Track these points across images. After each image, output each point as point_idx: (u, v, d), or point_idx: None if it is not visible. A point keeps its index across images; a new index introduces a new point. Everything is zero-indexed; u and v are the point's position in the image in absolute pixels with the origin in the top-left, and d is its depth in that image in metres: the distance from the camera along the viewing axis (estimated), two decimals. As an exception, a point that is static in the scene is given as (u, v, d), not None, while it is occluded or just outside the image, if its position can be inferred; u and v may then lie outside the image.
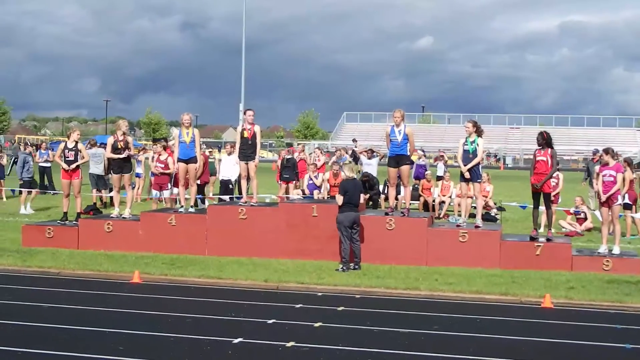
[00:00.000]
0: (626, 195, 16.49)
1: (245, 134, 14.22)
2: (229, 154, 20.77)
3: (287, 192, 20.57)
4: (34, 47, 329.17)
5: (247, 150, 14.31)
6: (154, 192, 19.22)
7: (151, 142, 58.75)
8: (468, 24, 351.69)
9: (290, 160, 21.21)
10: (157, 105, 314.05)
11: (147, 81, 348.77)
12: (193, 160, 14.51)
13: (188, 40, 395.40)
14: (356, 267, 12.69)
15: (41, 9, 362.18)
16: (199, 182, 17.17)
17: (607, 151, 13.74)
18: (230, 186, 20.60)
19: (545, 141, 13.28)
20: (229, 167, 20.70)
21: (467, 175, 13.46)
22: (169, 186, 18.63)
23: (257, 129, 14.34)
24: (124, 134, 15.02)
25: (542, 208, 13.65)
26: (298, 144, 47.09)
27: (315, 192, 19.10)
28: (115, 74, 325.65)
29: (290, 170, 20.87)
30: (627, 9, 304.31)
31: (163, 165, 18.41)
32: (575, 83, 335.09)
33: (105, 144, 17.53)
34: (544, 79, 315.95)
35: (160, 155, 18.78)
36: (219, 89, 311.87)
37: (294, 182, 20.90)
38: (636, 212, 17.67)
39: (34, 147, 30.24)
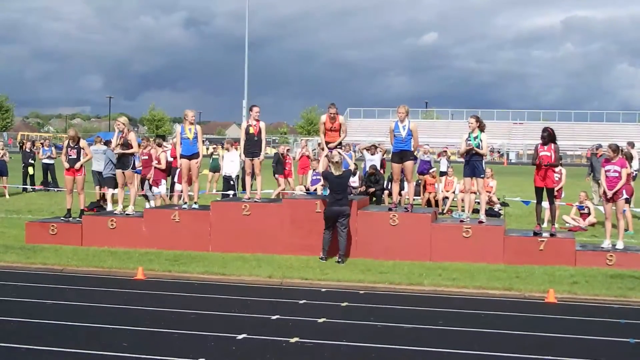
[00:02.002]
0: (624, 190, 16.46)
1: (252, 130, 14.21)
2: (228, 150, 20.78)
3: (279, 185, 20.99)
4: (38, 44, 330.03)
5: (252, 147, 14.31)
6: (154, 189, 19.29)
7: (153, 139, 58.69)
8: (472, 20, 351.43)
9: (275, 155, 21.48)
10: (160, 102, 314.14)
11: (151, 78, 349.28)
12: (196, 156, 14.54)
13: (192, 37, 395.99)
14: (339, 260, 12.78)
15: (46, 5, 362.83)
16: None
17: (611, 147, 13.72)
18: (232, 182, 20.60)
19: (550, 137, 13.32)
20: (227, 163, 20.74)
21: (471, 146, 13.33)
22: (163, 182, 18.75)
23: (262, 125, 14.35)
24: (121, 131, 15.00)
25: (545, 203, 13.65)
26: (301, 140, 47.06)
27: (319, 187, 19.09)
28: (119, 71, 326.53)
29: (277, 165, 21.09)
30: (633, 4, 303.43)
31: (156, 162, 18.66)
32: (579, 79, 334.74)
33: (108, 141, 17.64)
34: (548, 74, 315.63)
35: (156, 151, 18.94)
36: (223, 86, 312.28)
37: (282, 175, 21.23)
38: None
39: (32, 144, 30.18)
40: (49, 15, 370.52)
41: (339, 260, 12.80)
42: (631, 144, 24.74)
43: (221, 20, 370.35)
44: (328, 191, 13.30)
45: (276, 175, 21.01)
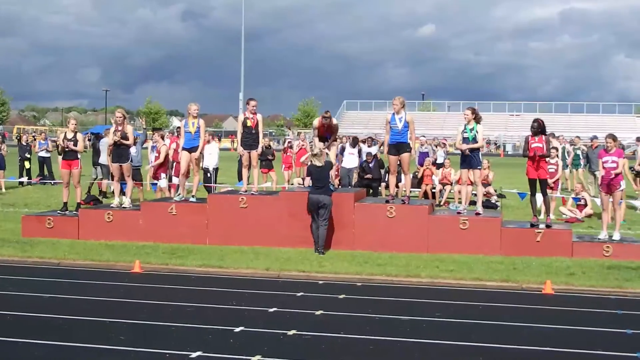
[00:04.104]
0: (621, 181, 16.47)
1: (249, 123, 14.21)
2: (208, 142, 20.62)
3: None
4: (36, 36, 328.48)
5: (249, 140, 14.33)
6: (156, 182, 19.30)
7: (151, 132, 58.68)
8: (471, 11, 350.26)
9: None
10: (158, 94, 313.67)
11: (149, 71, 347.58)
12: (196, 149, 14.58)
13: (190, 30, 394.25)
14: (318, 251, 12.86)
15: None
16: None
17: (611, 137, 13.72)
18: (209, 175, 20.48)
19: (540, 129, 13.38)
20: (206, 155, 20.56)
21: (465, 150, 13.37)
22: (163, 175, 18.71)
23: (259, 117, 14.37)
24: (117, 123, 15.00)
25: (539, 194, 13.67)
26: (298, 133, 47.12)
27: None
28: (117, 63, 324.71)
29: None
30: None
31: (158, 154, 18.64)
32: (577, 70, 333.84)
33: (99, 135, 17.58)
34: (546, 66, 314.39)
35: (158, 144, 18.93)
36: (221, 78, 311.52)
37: (265, 169, 21.78)
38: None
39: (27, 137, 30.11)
40: (47, 8, 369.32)
41: (320, 251, 12.88)
42: (552, 134, 24.92)
43: (219, 12, 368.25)
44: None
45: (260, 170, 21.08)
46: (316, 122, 14.71)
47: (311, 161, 13.46)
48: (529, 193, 13.85)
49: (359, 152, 21.06)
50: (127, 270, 11.75)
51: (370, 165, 20.47)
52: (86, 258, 12.49)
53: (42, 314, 8.87)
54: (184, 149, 14.63)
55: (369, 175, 20.29)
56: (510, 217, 16.37)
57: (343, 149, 20.38)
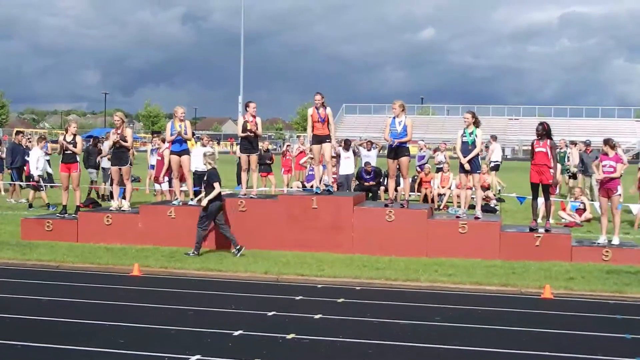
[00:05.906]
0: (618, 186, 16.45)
1: (248, 126, 14.20)
2: (204, 146, 20.53)
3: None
4: (35, 39, 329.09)
5: (249, 143, 14.32)
6: (156, 185, 19.30)
7: (150, 135, 58.69)
8: (470, 15, 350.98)
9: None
10: (157, 97, 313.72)
11: (148, 73, 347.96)
12: (185, 152, 14.62)
13: (190, 33, 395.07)
14: (238, 251, 12.98)
15: (43, 1, 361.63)
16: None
17: (606, 142, 13.74)
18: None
19: (545, 132, 13.29)
20: (199, 159, 20.42)
21: (467, 166, 13.46)
22: (166, 179, 18.67)
23: (258, 121, 14.35)
24: (116, 127, 15.03)
25: (540, 199, 13.66)
26: (297, 137, 47.12)
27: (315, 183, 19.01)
28: (116, 66, 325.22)
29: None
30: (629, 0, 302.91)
31: (160, 158, 18.62)
32: (576, 74, 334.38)
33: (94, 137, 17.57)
34: (545, 70, 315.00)
35: (160, 148, 18.93)
36: (220, 81, 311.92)
37: (263, 173, 21.90)
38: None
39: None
40: (47, 11, 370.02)
41: (239, 251, 12.96)
42: (494, 137, 24.97)
43: (219, 15, 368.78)
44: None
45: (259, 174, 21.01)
46: (310, 110, 14.18)
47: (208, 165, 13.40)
48: (531, 197, 13.83)
49: (354, 153, 20.85)
50: (126, 274, 11.74)
51: (370, 172, 20.39)
52: (85, 261, 12.48)
53: (41, 317, 8.85)
54: (172, 152, 14.68)
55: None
56: (510, 221, 16.37)
57: (338, 156, 19.95)
